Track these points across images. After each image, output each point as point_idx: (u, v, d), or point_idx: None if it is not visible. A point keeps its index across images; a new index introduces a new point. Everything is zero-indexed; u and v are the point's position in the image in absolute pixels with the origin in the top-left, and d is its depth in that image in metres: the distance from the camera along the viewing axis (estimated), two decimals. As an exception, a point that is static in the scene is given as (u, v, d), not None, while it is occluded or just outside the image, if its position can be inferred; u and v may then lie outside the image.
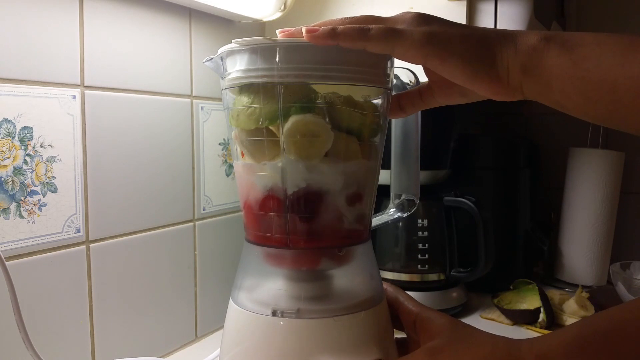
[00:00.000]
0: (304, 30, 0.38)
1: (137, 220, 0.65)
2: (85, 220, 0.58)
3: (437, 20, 0.38)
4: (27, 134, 0.52)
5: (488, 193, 0.98)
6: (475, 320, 0.85)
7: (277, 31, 0.42)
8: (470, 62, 0.37)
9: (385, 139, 0.46)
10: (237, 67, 0.41)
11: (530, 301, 0.83)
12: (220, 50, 0.43)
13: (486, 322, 0.84)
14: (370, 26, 0.37)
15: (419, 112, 0.52)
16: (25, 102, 0.52)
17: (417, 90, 0.46)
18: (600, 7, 1.13)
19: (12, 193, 0.51)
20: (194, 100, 0.73)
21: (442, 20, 0.38)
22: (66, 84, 0.56)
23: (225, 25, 0.77)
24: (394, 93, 0.46)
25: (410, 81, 0.49)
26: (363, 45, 0.37)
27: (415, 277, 0.85)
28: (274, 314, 0.43)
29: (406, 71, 0.48)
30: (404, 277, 0.85)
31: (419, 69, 0.48)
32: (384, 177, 0.49)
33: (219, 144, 0.77)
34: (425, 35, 0.37)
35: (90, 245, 0.59)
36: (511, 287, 0.89)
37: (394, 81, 0.46)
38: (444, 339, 0.40)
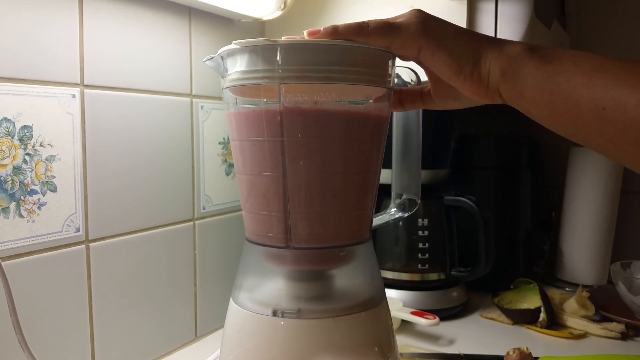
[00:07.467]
0: (305, 33, 0.40)
1: (136, 220, 0.65)
2: (85, 220, 0.58)
3: (433, 17, 0.40)
4: (27, 133, 0.52)
5: (488, 192, 0.98)
6: (475, 320, 0.85)
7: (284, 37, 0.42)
8: (457, 58, 0.38)
9: (386, 139, 0.46)
10: (238, 67, 0.41)
11: (531, 300, 0.83)
12: (220, 50, 0.42)
13: (486, 322, 0.84)
14: (368, 22, 0.39)
15: (420, 112, 0.52)
16: (25, 101, 0.52)
17: (419, 89, 0.47)
18: (601, 6, 1.13)
19: (11, 192, 0.51)
20: (194, 99, 0.72)
21: (439, 19, 0.40)
22: (66, 83, 0.55)
23: (225, 24, 0.77)
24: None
25: (412, 80, 0.49)
26: (364, 40, 0.39)
27: (415, 277, 0.85)
28: (275, 314, 0.43)
29: (408, 70, 0.48)
30: (404, 276, 0.85)
31: (420, 69, 0.48)
32: (385, 176, 0.49)
33: (219, 143, 0.77)
34: (421, 28, 0.39)
35: (90, 244, 0.59)
36: (512, 287, 0.89)
37: (395, 80, 0.46)
38: None
